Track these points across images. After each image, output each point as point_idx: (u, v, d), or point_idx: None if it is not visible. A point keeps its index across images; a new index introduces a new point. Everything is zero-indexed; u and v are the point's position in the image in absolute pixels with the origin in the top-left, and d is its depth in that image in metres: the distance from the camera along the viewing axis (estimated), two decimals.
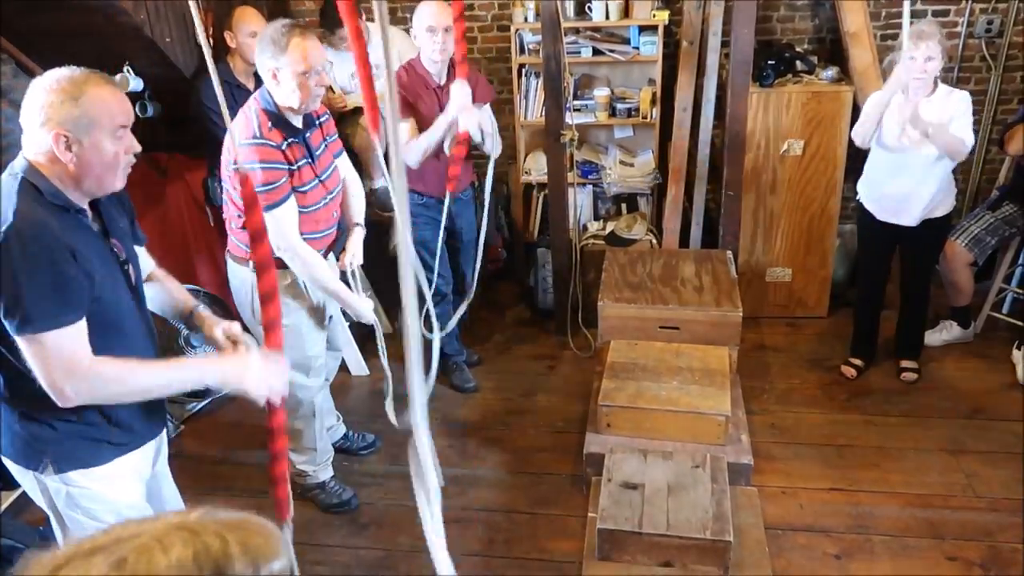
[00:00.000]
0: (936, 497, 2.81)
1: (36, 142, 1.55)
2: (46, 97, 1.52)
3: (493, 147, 3.01)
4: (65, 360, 1.54)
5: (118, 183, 1.64)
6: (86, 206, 1.65)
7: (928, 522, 2.70)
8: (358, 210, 2.75)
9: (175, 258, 3.50)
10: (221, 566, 0.61)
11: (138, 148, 1.65)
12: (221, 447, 3.24)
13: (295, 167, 2.36)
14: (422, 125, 2.99)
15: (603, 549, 2.46)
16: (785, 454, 3.06)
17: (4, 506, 2.76)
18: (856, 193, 3.40)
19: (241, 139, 2.27)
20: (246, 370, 1.72)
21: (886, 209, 3.21)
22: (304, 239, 2.44)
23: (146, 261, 1.91)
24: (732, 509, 2.51)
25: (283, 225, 2.33)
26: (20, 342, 1.53)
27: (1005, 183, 3.84)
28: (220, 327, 1.87)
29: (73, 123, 1.52)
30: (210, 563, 0.60)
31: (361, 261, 2.71)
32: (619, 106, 4.08)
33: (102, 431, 1.72)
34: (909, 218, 3.15)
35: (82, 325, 1.56)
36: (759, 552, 2.49)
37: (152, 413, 1.82)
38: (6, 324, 1.52)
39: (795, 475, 2.95)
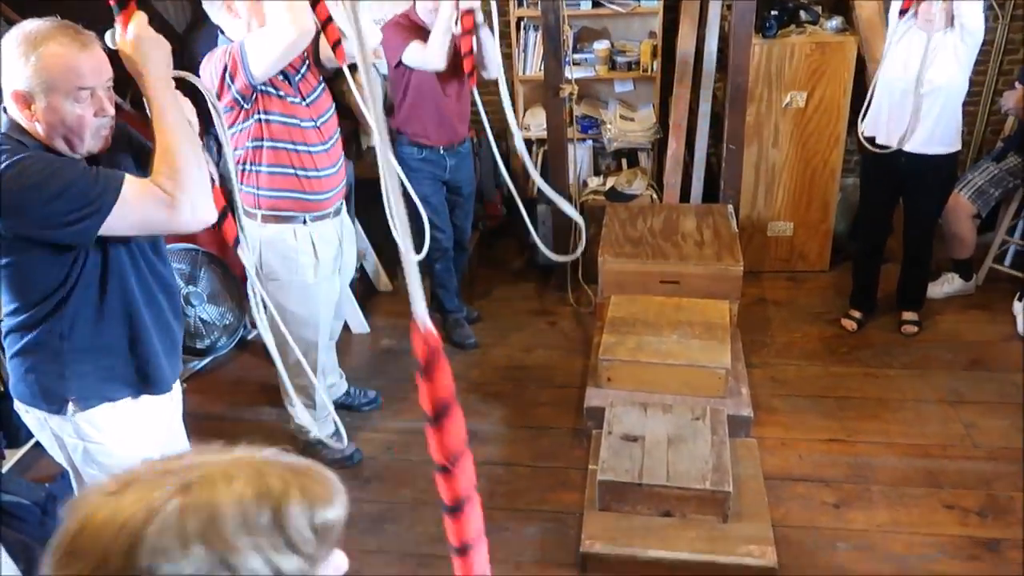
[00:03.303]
0: (935, 447, 2.83)
1: (7, 100, 1.52)
2: (5, 52, 1.48)
3: (492, 60, 2.98)
4: (152, 189, 1.54)
5: (92, 146, 1.58)
6: (78, 158, 1.62)
7: (926, 471, 2.72)
8: None
9: None
10: (279, 506, 0.63)
11: (111, 111, 1.57)
12: (223, 404, 3.26)
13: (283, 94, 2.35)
14: None
15: (604, 500, 2.49)
16: (785, 406, 3.08)
17: (10, 464, 2.78)
18: (858, 148, 3.36)
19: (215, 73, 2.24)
20: None
21: (891, 132, 3.08)
22: (317, 176, 2.45)
23: None
24: (732, 460, 2.53)
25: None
26: (114, 222, 1.51)
27: (1010, 134, 3.80)
28: None
29: (26, 82, 1.48)
30: (269, 502, 0.63)
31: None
32: (619, 59, 4.02)
33: (122, 371, 1.72)
34: (912, 140, 3.03)
35: (129, 175, 1.56)
36: (758, 502, 2.51)
37: (169, 357, 1.82)
38: (81, 228, 1.50)
39: (795, 427, 2.97)
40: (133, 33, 1.55)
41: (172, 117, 1.60)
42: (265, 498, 0.63)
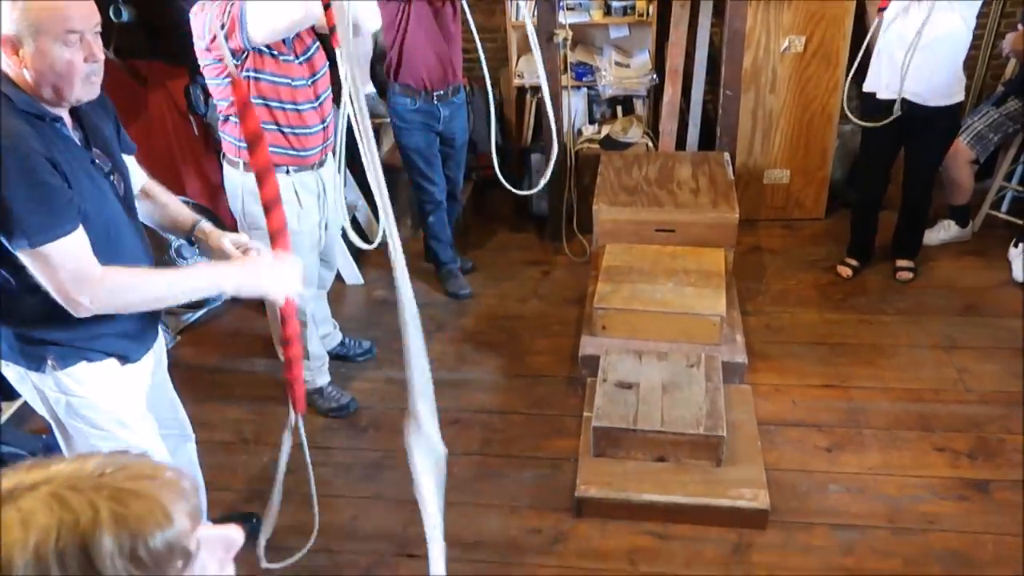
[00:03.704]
0: (927, 392, 2.85)
1: None
2: None
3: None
4: (73, 270, 1.49)
5: (82, 94, 1.53)
6: (64, 115, 1.57)
7: (918, 415, 2.74)
8: None
9: (161, 169, 3.40)
10: (87, 539, 0.53)
11: (101, 56, 1.53)
12: (218, 356, 3.25)
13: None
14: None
15: (598, 446, 2.50)
16: (779, 353, 3.08)
17: (6, 416, 2.79)
18: (857, 96, 3.31)
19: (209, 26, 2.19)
20: (260, 272, 1.68)
21: (892, 86, 3.05)
22: (305, 133, 2.41)
23: (138, 174, 1.84)
24: (726, 406, 2.54)
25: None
26: (24, 259, 1.48)
27: (1011, 78, 3.74)
28: (227, 238, 1.81)
29: (14, 27, 1.43)
30: (74, 535, 0.53)
31: None
32: (615, 4, 3.93)
33: (96, 338, 1.70)
34: (914, 92, 3.02)
35: (81, 234, 1.51)
36: (751, 446, 2.53)
37: (148, 322, 1.81)
38: (3, 241, 1.47)
39: (789, 373, 2.98)
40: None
41: (200, 281, 1.66)
42: (69, 537, 0.53)
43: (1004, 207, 3.87)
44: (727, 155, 3.61)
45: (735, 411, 2.65)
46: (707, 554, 2.29)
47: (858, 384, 2.90)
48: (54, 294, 1.51)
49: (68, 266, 1.49)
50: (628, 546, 2.33)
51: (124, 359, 1.76)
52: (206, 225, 1.86)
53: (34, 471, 0.58)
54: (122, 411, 1.78)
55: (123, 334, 1.74)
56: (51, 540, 0.53)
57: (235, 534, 0.66)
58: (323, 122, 2.48)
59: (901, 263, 3.48)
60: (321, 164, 2.55)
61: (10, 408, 2.81)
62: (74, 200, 1.51)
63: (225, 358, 3.25)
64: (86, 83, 1.53)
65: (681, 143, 3.88)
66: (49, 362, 1.67)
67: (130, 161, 1.80)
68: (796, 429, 2.72)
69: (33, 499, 0.55)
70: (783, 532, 2.34)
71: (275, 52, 2.30)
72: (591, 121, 4.18)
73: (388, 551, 2.36)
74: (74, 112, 1.60)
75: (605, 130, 4.03)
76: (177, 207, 1.91)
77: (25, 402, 1.83)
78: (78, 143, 1.60)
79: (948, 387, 2.86)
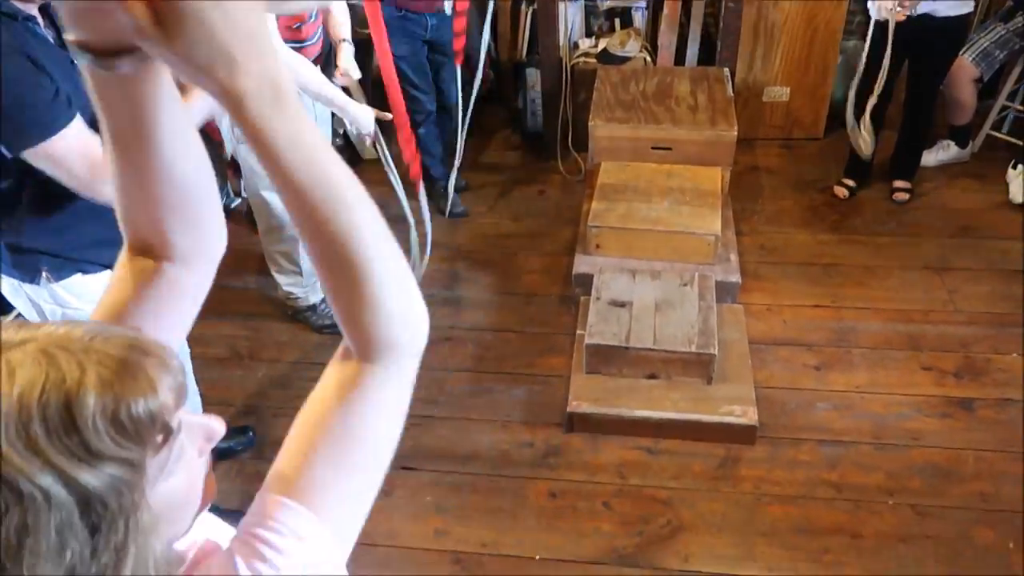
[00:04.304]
0: (917, 312, 2.87)
1: None
2: None
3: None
4: (83, 158, 1.45)
5: None
6: (35, 13, 1.51)
7: (907, 335, 2.77)
8: (344, 24, 2.57)
9: None
10: (71, 396, 0.52)
11: None
12: None
13: None
14: None
15: (590, 363, 2.53)
16: (772, 273, 3.09)
17: None
18: (862, 12, 3.20)
19: None
20: None
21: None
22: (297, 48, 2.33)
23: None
24: (718, 325, 2.56)
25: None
26: (33, 162, 1.44)
27: None
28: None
29: None
30: (59, 393, 0.52)
31: (359, 75, 2.53)
32: None
33: (88, 244, 1.67)
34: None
35: (79, 121, 1.45)
36: (742, 365, 2.56)
37: None
38: (3, 149, 1.43)
39: (781, 293, 2.99)
40: None
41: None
42: (53, 392, 0.52)
43: (1005, 128, 3.81)
44: (727, 71, 3.53)
45: (727, 330, 2.67)
46: (695, 468, 2.35)
47: (849, 304, 2.92)
48: (77, 189, 1.47)
49: (76, 156, 1.45)
50: (618, 460, 2.38)
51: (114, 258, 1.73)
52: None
53: (22, 330, 0.56)
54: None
55: (117, 242, 1.71)
56: (35, 392, 0.51)
57: (216, 424, 0.64)
58: (312, 37, 2.40)
59: (898, 184, 3.45)
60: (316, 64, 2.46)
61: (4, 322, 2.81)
62: (61, 91, 1.46)
63: (218, 275, 3.22)
64: None
65: (680, 58, 3.78)
66: (43, 274, 1.65)
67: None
68: (786, 348, 2.75)
69: (21, 353, 0.53)
70: (770, 447, 2.39)
71: None
72: (588, 34, 4.05)
73: None
74: (44, 11, 1.54)
75: (602, 44, 3.91)
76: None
77: (19, 315, 1.82)
78: (52, 41, 1.54)
79: (938, 308, 2.88)
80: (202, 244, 0.81)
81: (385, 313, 0.67)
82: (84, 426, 0.52)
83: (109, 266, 1.71)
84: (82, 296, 1.70)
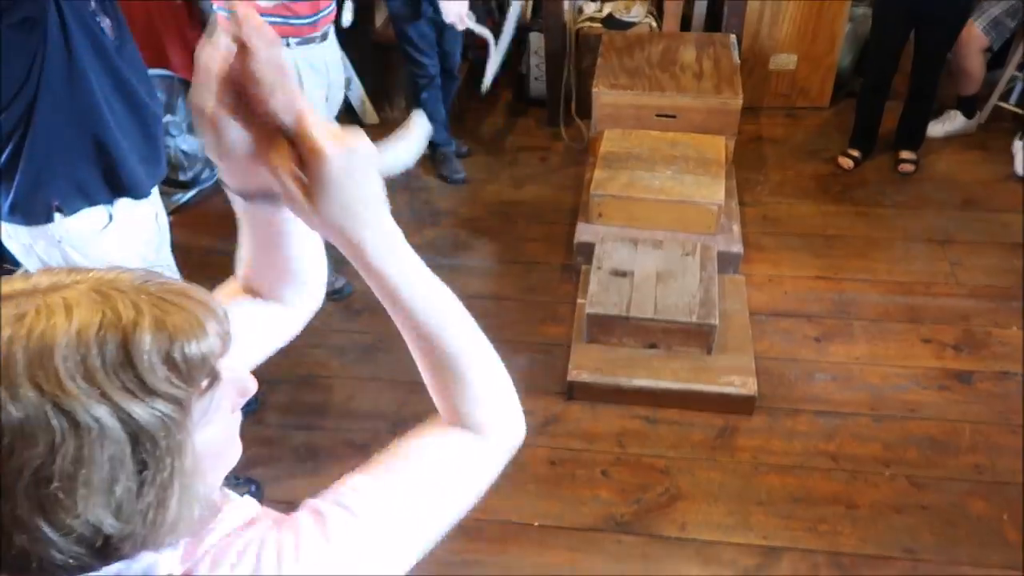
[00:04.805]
0: (919, 284, 2.87)
1: None
2: None
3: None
4: None
5: None
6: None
7: (908, 307, 2.77)
8: None
9: (142, 41, 3.26)
10: (127, 334, 0.54)
11: None
12: (212, 237, 3.23)
13: None
14: None
15: (591, 333, 2.53)
16: (774, 244, 3.08)
17: None
18: None
19: None
20: None
21: None
22: (306, 22, 2.31)
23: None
24: (719, 295, 2.56)
25: None
26: None
27: None
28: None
29: None
30: (116, 332, 0.54)
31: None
32: None
33: (96, 173, 1.67)
34: None
35: None
36: (742, 335, 2.57)
37: (145, 164, 1.75)
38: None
39: (783, 264, 2.98)
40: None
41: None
42: (111, 329, 0.54)
43: (1013, 98, 3.77)
44: (733, 38, 3.48)
45: (728, 300, 2.67)
46: (693, 438, 2.36)
47: (850, 276, 2.91)
48: None
49: None
50: (617, 429, 2.40)
51: (123, 190, 1.72)
52: None
53: (73, 273, 0.59)
54: None
55: (119, 163, 1.69)
56: (93, 329, 0.54)
57: (249, 380, 0.67)
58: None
59: (904, 155, 3.43)
60: (324, 37, 2.44)
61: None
62: None
63: (220, 239, 3.21)
64: None
65: (686, 23, 3.73)
66: (55, 212, 1.64)
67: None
68: (787, 319, 2.75)
69: (76, 292, 0.56)
70: (768, 418, 2.41)
71: None
72: None
73: (384, 429, 2.42)
74: None
75: (608, 8, 3.86)
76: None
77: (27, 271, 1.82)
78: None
79: (940, 280, 2.88)
80: (304, 299, 0.91)
81: (481, 400, 0.77)
82: (140, 363, 0.54)
83: (107, 199, 1.70)
84: (92, 257, 1.71)
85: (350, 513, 0.66)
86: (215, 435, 0.63)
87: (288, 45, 2.34)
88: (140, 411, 0.54)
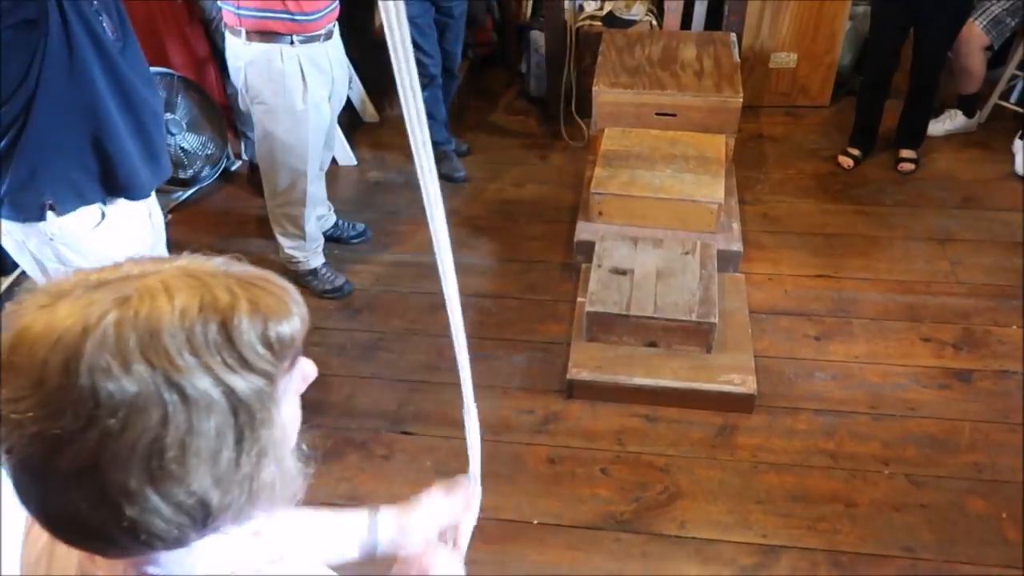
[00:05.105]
0: (919, 283, 2.87)
1: None
2: None
3: None
4: None
5: None
6: None
7: (908, 306, 2.77)
8: None
9: (142, 39, 3.26)
10: (227, 320, 0.58)
11: None
12: (211, 236, 3.23)
13: None
14: None
15: (591, 331, 2.53)
16: (774, 243, 3.08)
17: (3, 287, 2.79)
18: None
19: None
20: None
21: None
22: (310, 19, 2.31)
23: None
24: (719, 294, 2.56)
25: None
26: None
27: None
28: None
29: None
30: (216, 316, 0.57)
31: None
32: None
33: (94, 172, 1.66)
34: None
35: None
36: (742, 334, 2.57)
37: (146, 163, 1.74)
38: None
39: (783, 262, 2.98)
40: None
41: None
42: (211, 311, 0.57)
43: (1014, 97, 3.77)
44: (733, 36, 3.48)
45: (728, 299, 2.67)
46: (693, 436, 2.37)
47: (850, 275, 2.92)
48: None
49: None
50: (617, 427, 2.40)
51: (121, 190, 1.71)
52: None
53: (157, 262, 0.61)
54: None
55: (118, 163, 1.68)
56: (194, 309, 0.57)
57: (310, 367, 0.69)
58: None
59: (904, 153, 3.43)
60: (328, 35, 2.44)
61: (5, 282, 2.81)
62: None
63: (219, 237, 3.22)
64: None
65: (687, 22, 3.73)
66: (48, 210, 1.63)
67: None
68: (787, 318, 2.75)
69: (172, 276, 0.59)
70: (768, 416, 2.41)
71: None
72: None
73: (384, 427, 2.42)
74: None
75: (608, 6, 3.85)
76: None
77: (18, 277, 1.82)
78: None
79: (939, 279, 2.88)
80: None
81: None
82: (239, 341, 0.57)
83: (103, 198, 1.69)
84: (86, 254, 1.70)
85: None
86: (289, 416, 0.66)
87: (291, 43, 2.34)
88: (240, 384, 0.57)
